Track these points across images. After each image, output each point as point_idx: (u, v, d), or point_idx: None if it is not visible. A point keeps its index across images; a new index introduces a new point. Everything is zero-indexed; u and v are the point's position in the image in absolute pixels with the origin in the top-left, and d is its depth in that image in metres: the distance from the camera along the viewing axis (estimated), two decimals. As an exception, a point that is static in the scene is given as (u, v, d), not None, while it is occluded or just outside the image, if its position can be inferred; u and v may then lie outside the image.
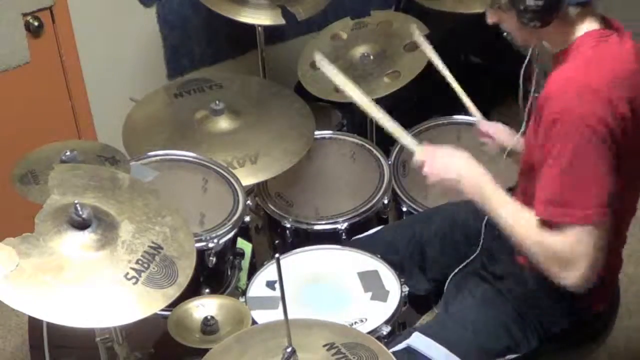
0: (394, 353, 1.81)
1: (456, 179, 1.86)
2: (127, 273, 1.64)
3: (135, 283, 1.63)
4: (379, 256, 2.13)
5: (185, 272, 1.70)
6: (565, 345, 1.93)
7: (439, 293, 2.15)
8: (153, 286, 1.64)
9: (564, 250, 1.65)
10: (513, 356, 1.88)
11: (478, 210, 1.88)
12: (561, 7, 1.67)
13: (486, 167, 2.02)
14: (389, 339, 1.94)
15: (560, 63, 1.74)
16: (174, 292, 1.65)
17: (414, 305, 2.17)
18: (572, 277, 1.66)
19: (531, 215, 1.71)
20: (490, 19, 1.80)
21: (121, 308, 1.60)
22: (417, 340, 1.85)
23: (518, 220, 1.74)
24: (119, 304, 1.61)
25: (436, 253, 2.18)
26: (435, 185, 1.90)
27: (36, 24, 2.70)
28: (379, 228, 2.38)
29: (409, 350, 1.85)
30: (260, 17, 2.68)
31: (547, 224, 1.68)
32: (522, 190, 1.91)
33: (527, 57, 1.95)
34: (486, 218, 2.00)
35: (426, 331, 1.88)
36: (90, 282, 1.61)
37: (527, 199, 1.78)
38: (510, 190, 2.04)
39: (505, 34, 1.87)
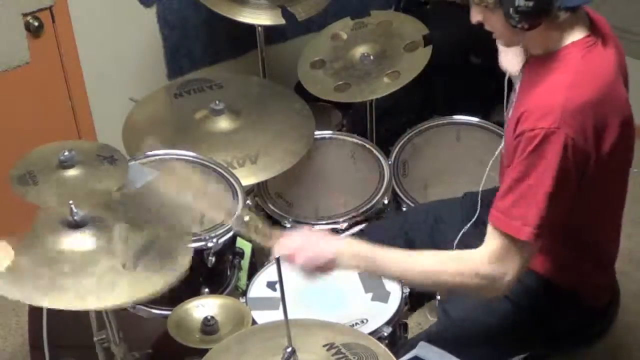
0: None
1: (333, 257, 1.72)
2: (124, 262, 1.65)
3: (132, 270, 1.63)
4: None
5: (184, 259, 1.71)
6: (570, 344, 1.93)
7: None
8: (150, 271, 1.65)
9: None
10: (520, 357, 1.88)
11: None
12: (551, 11, 1.64)
13: (477, 169, 2.03)
14: (393, 349, 1.92)
15: (544, 68, 1.71)
16: (171, 276, 1.66)
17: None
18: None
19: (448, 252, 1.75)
20: (474, 18, 1.75)
21: (119, 290, 1.61)
22: (424, 350, 1.84)
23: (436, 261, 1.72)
24: (116, 287, 1.61)
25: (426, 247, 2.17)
26: (309, 272, 1.74)
27: (36, 24, 2.70)
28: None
29: None
30: (260, 17, 2.68)
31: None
32: None
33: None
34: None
35: (432, 340, 1.86)
36: (86, 271, 1.62)
37: None
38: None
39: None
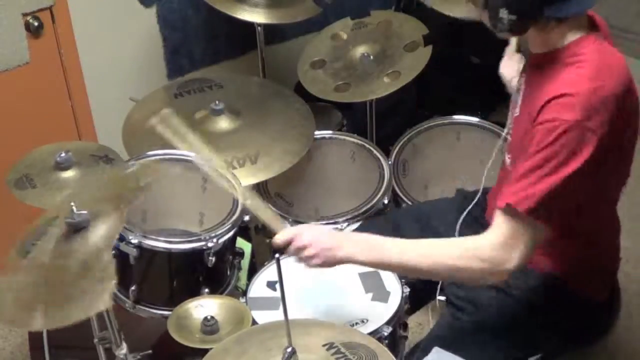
0: None
1: (337, 244, 1.75)
2: None
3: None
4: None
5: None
6: (575, 343, 1.93)
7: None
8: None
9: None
10: (534, 358, 1.88)
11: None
12: (538, 20, 1.66)
13: (477, 169, 2.02)
14: (394, 349, 1.92)
15: (555, 62, 1.70)
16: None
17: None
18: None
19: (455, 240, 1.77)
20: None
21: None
22: (439, 356, 1.82)
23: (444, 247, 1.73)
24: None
25: None
26: (312, 259, 1.75)
27: (36, 24, 2.70)
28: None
29: None
30: (259, 15, 2.68)
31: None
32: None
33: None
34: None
35: (445, 344, 1.84)
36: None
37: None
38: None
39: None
